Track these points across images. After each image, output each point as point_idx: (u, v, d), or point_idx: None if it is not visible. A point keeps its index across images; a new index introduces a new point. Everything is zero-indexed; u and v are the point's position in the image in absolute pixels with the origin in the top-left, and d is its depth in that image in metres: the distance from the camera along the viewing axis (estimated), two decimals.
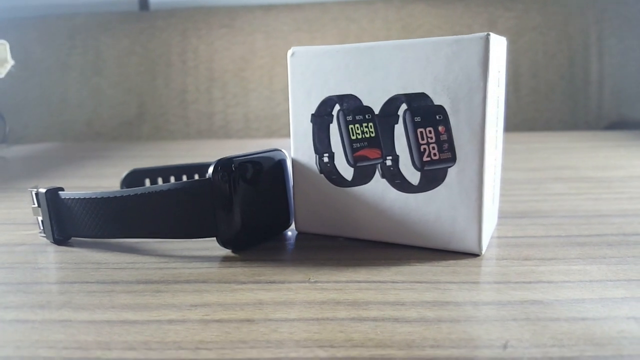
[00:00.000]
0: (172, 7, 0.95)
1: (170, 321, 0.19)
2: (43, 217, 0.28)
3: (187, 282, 0.23)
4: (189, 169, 0.36)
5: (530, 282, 0.22)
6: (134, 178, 0.35)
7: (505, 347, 0.17)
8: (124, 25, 0.91)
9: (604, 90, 0.88)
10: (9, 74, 0.63)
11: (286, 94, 0.89)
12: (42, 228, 0.28)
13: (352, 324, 0.19)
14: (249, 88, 0.89)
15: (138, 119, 0.91)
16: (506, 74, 0.92)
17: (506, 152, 0.57)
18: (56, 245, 0.28)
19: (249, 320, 0.19)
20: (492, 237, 0.27)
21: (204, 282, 0.23)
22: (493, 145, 0.25)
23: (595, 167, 0.46)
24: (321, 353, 0.17)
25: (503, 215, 0.31)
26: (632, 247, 0.26)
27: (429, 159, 0.25)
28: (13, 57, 0.64)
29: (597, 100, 0.89)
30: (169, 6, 0.96)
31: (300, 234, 0.29)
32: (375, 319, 0.19)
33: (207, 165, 0.34)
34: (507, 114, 0.88)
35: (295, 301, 0.21)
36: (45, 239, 0.29)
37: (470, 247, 0.25)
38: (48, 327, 0.19)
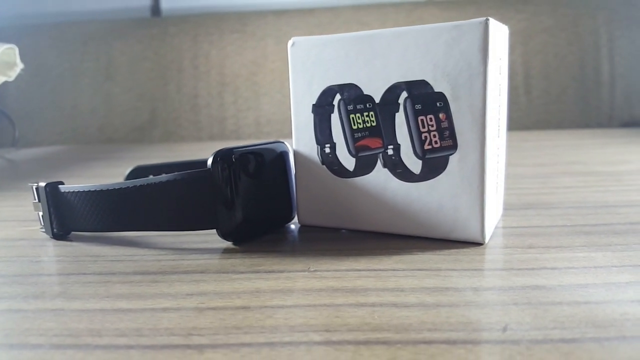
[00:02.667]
0: (184, 13, 0.95)
1: (165, 309, 0.19)
2: (43, 212, 0.28)
3: (185, 272, 0.22)
4: (194, 165, 0.36)
5: (533, 269, 0.21)
6: (137, 174, 0.36)
7: (504, 329, 0.16)
8: (136, 32, 0.92)
9: (615, 92, 0.87)
10: (21, 79, 0.64)
11: None
12: (42, 223, 0.28)
13: (349, 309, 0.18)
14: (261, 92, 0.90)
15: (150, 124, 0.91)
16: (517, 76, 0.91)
17: (515, 149, 0.56)
18: (55, 240, 0.28)
19: (245, 308, 0.19)
20: (496, 228, 0.27)
21: (202, 272, 0.22)
22: (495, 133, 0.25)
23: (604, 162, 0.45)
24: (315, 337, 0.16)
25: (508, 207, 0.30)
26: (639, 234, 0.25)
27: (430, 147, 0.24)
28: (26, 63, 0.65)
29: (608, 101, 0.87)
30: (181, 12, 0.97)
31: (303, 227, 0.29)
32: (373, 305, 0.18)
33: None
34: (519, 116, 0.87)
35: (293, 289, 0.20)
36: (45, 234, 0.29)
37: (473, 235, 0.24)
38: (40, 316, 0.19)
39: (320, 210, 0.28)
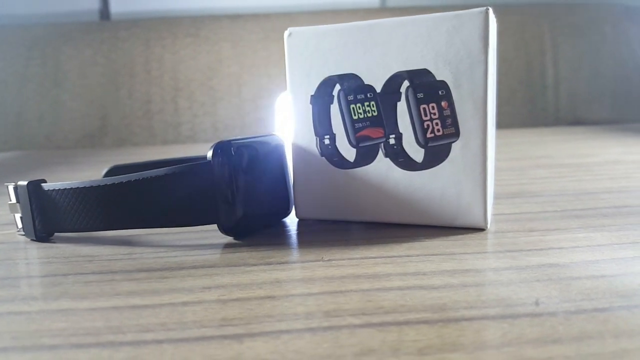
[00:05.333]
0: (135, 17, 0.93)
1: (185, 303, 0.18)
2: (23, 213, 0.26)
3: (194, 267, 0.22)
4: (176, 163, 0.34)
5: (542, 249, 0.22)
6: (115, 174, 0.34)
7: (537, 303, 0.17)
8: (85, 36, 0.88)
9: (560, 94, 0.92)
10: None
11: (256, 103, 0.88)
12: (20, 226, 0.27)
13: (378, 293, 0.18)
14: (217, 97, 0.88)
15: (100, 131, 0.88)
16: None
17: None
18: (38, 242, 0.26)
19: (271, 297, 0.18)
20: (492, 215, 0.27)
21: (211, 266, 0.22)
22: (492, 120, 0.25)
23: (570, 155, 0.47)
24: (354, 320, 0.16)
25: (496, 197, 0.31)
26: (627, 216, 0.26)
27: (432, 135, 0.24)
28: None
29: (554, 103, 0.92)
30: (132, 16, 0.94)
31: (301, 221, 0.28)
32: (400, 288, 0.18)
33: (194, 159, 0.34)
34: None
35: (314, 277, 0.20)
36: (24, 237, 0.27)
37: (476, 221, 0.24)
38: (48, 317, 0.18)
39: (318, 203, 0.27)
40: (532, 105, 0.91)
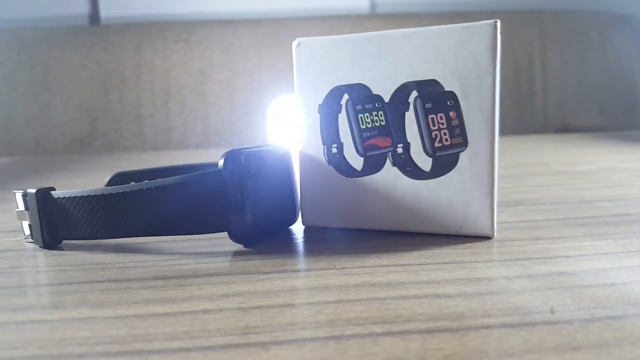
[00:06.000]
0: (126, 22, 0.92)
1: (205, 311, 0.18)
2: (31, 221, 0.26)
3: (209, 275, 0.22)
4: (178, 171, 0.35)
5: (550, 258, 0.22)
6: (118, 181, 0.34)
7: (552, 311, 0.17)
8: (75, 40, 0.88)
9: (548, 101, 0.93)
10: None
11: (247, 108, 0.88)
12: (29, 233, 0.27)
13: (395, 302, 0.18)
14: (209, 102, 0.88)
15: (90, 136, 0.87)
16: None
17: None
18: (47, 250, 0.26)
19: (290, 305, 0.18)
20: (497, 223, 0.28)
21: (226, 274, 0.22)
22: (497, 129, 0.26)
23: (565, 163, 0.48)
24: (376, 329, 0.16)
25: (498, 205, 0.32)
26: (629, 225, 0.27)
27: (440, 144, 0.25)
28: None
29: (542, 110, 0.93)
30: (122, 21, 0.93)
31: (307, 228, 0.28)
32: (416, 297, 0.19)
33: (198, 166, 0.34)
34: None
35: (330, 286, 0.20)
36: (32, 244, 0.27)
37: (484, 230, 0.25)
38: (70, 325, 0.18)
39: (325, 211, 0.28)
40: (520, 112, 0.93)
